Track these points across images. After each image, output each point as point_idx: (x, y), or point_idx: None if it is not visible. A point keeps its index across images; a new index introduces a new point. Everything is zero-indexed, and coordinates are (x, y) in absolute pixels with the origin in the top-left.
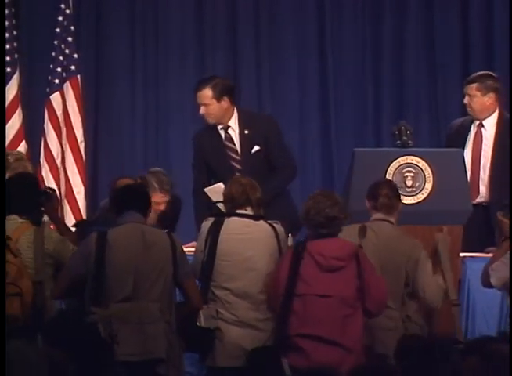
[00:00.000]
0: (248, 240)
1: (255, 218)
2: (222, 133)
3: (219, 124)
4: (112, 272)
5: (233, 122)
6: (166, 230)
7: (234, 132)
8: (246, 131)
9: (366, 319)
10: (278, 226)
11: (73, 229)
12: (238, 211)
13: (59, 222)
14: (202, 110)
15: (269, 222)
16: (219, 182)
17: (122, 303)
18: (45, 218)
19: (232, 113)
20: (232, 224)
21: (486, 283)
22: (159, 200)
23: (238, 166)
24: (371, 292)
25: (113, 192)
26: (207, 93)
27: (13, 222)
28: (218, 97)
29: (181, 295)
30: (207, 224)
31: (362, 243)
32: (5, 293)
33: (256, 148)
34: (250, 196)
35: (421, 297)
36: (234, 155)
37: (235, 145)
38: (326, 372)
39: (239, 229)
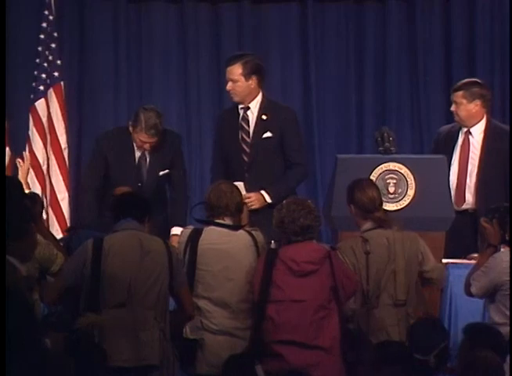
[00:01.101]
0: (226, 250)
1: (234, 227)
2: (241, 113)
3: (242, 102)
4: (107, 279)
5: (254, 105)
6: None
7: (252, 115)
8: (263, 117)
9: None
10: (257, 233)
11: (64, 234)
12: (216, 221)
13: (43, 226)
14: (229, 85)
15: (248, 229)
16: (228, 163)
17: (116, 309)
18: None
19: (257, 95)
20: (210, 234)
21: (468, 292)
22: (144, 139)
23: (247, 149)
24: (345, 290)
25: (111, 199)
26: (236, 69)
27: None
28: (247, 75)
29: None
30: (186, 232)
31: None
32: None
33: (268, 134)
34: (229, 204)
35: (431, 278)
36: (245, 137)
37: (249, 127)
38: (298, 373)
39: (217, 239)
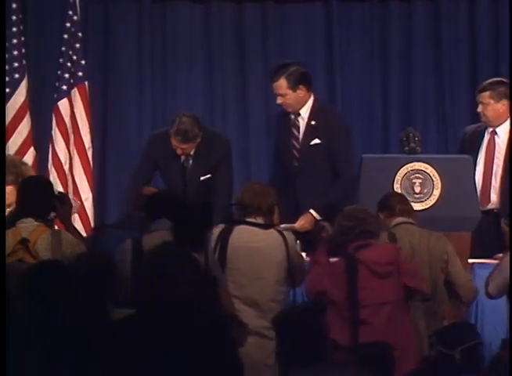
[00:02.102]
0: (257, 248)
1: (265, 226)
2: (292, 118)
3: (295, 112)
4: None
5: (305, 110)
6: None
7: (302, 121)
8: (312, 122)
9: None
10: (287, 233)
11: (89, 234)
12: (248, 220)
13: (71, 225)
14: (278, 100)
15: (279, 229)
16: (281, 165)
17: None
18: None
19: (307, 101)
20: (241, 232)
21: (486, 293)
22: (175, 143)
23: (297, 154)
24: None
25: (145, 199)
26: (281, 84)
27: (29, 224)
28: (294, 87)
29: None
30: (216, 231)
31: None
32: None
33: (315, 141)
34: (261, 203)
35: (456, 292)
36: (295, 143)
37: (299, 133)
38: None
39: (248, 238)
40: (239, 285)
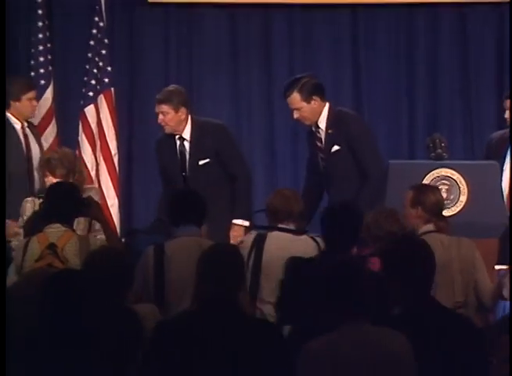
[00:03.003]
0: (291, 254)
1: (298, 232)
2: (314, 130)
3: (313, 123)
4: (171, 285)
5: (322, 121)
6: None
7: (322, 132)
8: (330, 131)
9: None
10: (320, 240)
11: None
12: (280, 226)
13: (109, 226)
14: (295, 114)
15: (312, 236)
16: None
17: None
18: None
19: (322, 111)
20: (274, 239)
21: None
22: (156, 109)
23: (323, 164)
24: None
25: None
26: (295, 98)
27: (57, 230)
28: (307, 98)
29: None
30: (250, 237)
31: None
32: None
33: (335, 148)
34: (293, 209)
35: (479, 297)
36: (320, 154)
37: (322, 144)
38: None
39: (281, 244)
40: (273, 291)
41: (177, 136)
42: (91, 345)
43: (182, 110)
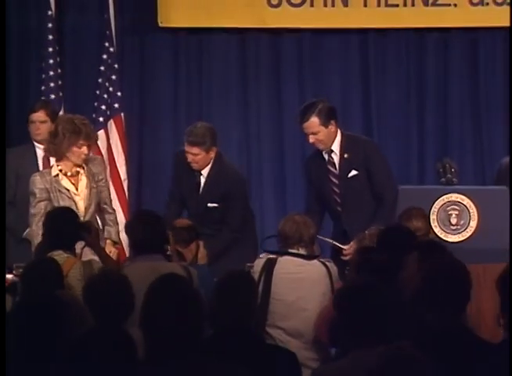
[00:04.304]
0: (301, 279)
1: (308, 257)
2: (326, 157)
3: (327, 147)
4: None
5: (336, 146)
6: None
7: (336, 156)
8: (345, 155)
9: None
10: (331, 265)
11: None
12: (290, 251)
13: (103, 253)
14: (311, 139)
15: (322, 260)
16: (323, 203)
17: None
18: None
19: (336, 136)
20: (284, 263)
21: None
22: (186, 149)
23: (337, 190)
24: None
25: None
26: (314, 122)
27: (60, 257)
28: (325, 123)
29: None
30: (260, 262)
31: None
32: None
33: (353, 172)
34: (303, 234)
35: None
36: (334, 179)
37: (336, 169)
38: None
39: (291, 269)
40: (283, 316)
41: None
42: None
43: (213, 150)
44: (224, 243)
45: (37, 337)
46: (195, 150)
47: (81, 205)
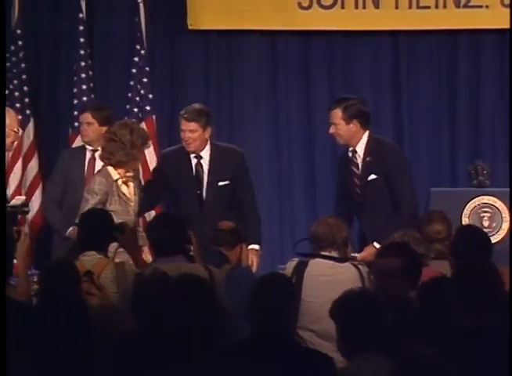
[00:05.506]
0: (332, 282)
1: (340, 260)
2: (350, 156)
3: (347, 145)
4: None
5: (360, 147)
6: None
7: (359, 158)
8: (368, 158)
9: None
10: (363, 268)
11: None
12: (323, 253)
13: (137, 254)
14: (331, 128)
15: (354, 263)
16: (348, 202)
17: None
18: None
19: (361, 137)
20: (316, 266)
21: None
22: (183, 127)
23: (358, 191)
24: None
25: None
26: (337, 113)
27: (92, 258)
28: (347, 119)
29: None
30: (291, 264)
31: None
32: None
33: (372, 176)
34: (336, 237)
35: None
36: (356, 180)
37: (358, 170)
38: None
39: (323, 271)
40: (314, 318)
41: (193, 155)
42: None
43: (208, 130)
44: (257, 222)
45: (62, 338)
46: (192, 125)
47: (133, 211)
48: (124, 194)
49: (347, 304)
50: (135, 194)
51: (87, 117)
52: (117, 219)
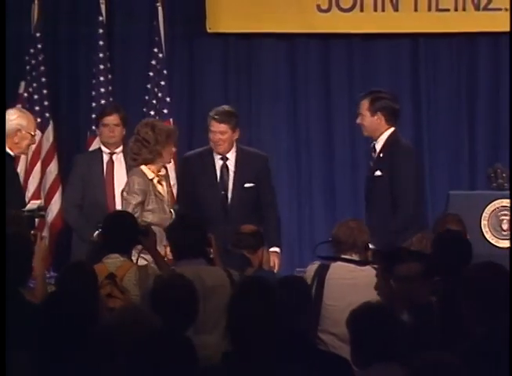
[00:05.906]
0: (353, 285)
1: (361, 263)
2: (371, 150)
3: (370, 136)
4: None
5: (379, 143)
6: None
7: (375, 153)
8: (381, 155)
9: None
10: None
11: None
12: (344, 256)
13: (160, 257)
14: (358, 119)
15: (375, 266)
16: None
17: None
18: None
19: (384, 132)
20: (337, 269)
21: None
22: (213, 128)
23: (367, 185)
24: None
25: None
26: (364, 104)
27: (116, 260)
28: (373, 111)
29: None
30: (312, 268)
31: None
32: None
33: (377, 173)
34: (357, 240)
35: None
36: (369, 174)
37: (372, 164)
38: None
39: (344, 274)
40: (336, 322)
41: (218, 157)
42: None
43: (236, 132)
44: (278, 224)
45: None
46: (222, 127)
47: (168, 208)
48: (160, 193)
49: (361, 316)
50: (167, 193)
51: (114, 118)
52: (153, 218)
